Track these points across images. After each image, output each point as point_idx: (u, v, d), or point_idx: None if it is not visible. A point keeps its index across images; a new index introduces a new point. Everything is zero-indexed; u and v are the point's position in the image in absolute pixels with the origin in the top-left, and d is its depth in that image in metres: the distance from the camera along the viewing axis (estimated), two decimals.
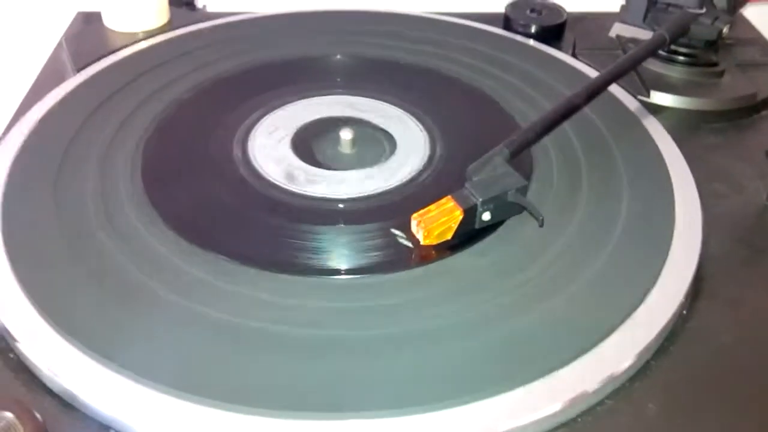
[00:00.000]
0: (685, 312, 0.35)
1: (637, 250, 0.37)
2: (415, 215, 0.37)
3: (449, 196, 0.37)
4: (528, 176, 0.41)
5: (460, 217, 0.37)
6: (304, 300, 0.34)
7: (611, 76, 0.44)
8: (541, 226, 0.37)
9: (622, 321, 0.33)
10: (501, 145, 0.39)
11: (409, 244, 0.37)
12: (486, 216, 0.37)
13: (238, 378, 0.30)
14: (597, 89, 0.43)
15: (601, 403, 0.31)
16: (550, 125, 0.41)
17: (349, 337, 0.32)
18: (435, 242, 0.37)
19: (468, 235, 0.37)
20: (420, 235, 0.37)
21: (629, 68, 0.46)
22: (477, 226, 0.37)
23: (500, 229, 0.38)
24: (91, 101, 0.47)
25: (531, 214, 0.37)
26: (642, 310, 0.34)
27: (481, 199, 0.37)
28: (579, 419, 0.30)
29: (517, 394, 0.30)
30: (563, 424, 0.30)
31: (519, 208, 0.38)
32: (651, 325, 0.33)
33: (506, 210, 0.38)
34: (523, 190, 0.38)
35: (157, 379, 0.30)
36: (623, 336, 0.33)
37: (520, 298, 0.34)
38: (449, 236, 0.37)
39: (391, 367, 0.31)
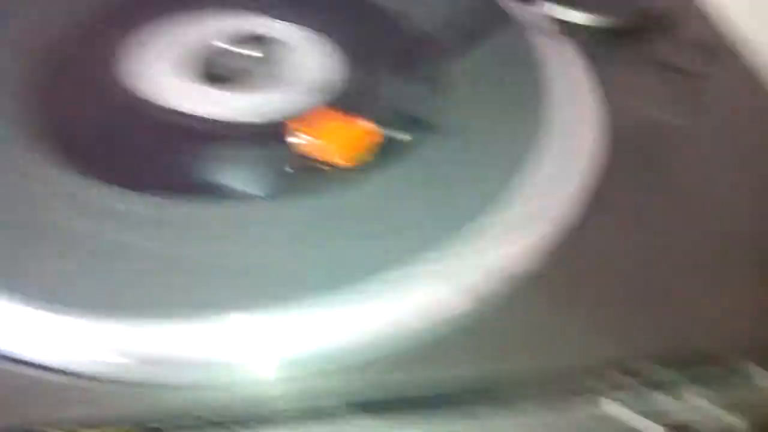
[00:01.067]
0: (574, 220, 0.35)
1: (532, 156, 0.37)
2: (320, 133, 0.36)
3: (359, 115, 0.37)
4: (434, 92, 0.41)
5: (375, 136, 0.36)
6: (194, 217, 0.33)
7: None
8: (442, 142, 0.37)
9: (509, 225, 0.33)
10: (405, 59, 0.38)
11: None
12: (397, 135, 0.37)
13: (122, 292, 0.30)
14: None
15: (487, 308, 0.31)
16: (453, 39, 0.40)
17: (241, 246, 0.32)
18: (350, 163, 0.36)
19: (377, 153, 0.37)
20: (333, 155, 0.36)
21: None
22: (387, 143, 0.37)
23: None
24: None
25: (429, 128, 0.37)
26: (529, 215, 0.34)
27: (394, 117, 0.36)
28: (469, 323, 0.30)
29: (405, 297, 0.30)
30: (454, 327, 0.30)
31: (428, 126, 0.38)
32: (536, 229, 0.33)
33: (409, 128, 0.37)
34: (433, 109, 0.37)
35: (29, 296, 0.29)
36: (507, 239, 0.33)
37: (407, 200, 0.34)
38: (364, 156, 0.36)
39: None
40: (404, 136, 0.37)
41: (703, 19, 0.51)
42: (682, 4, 0.51)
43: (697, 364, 0.30)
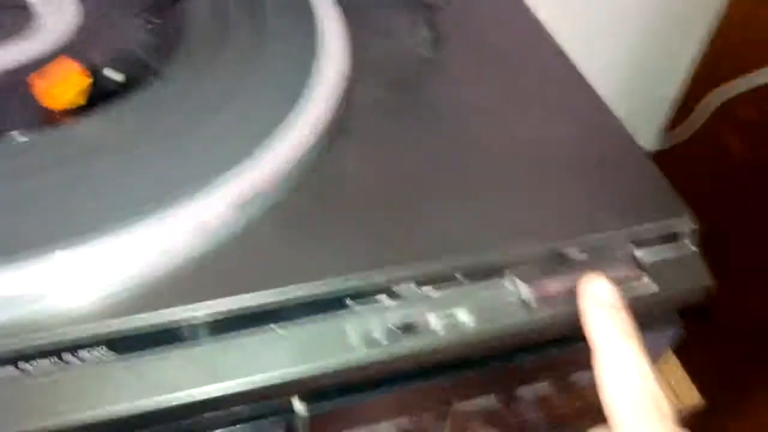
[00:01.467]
0: (320, 147, 0.37)
1: (281, 93, 0.39)
2: (32, 75, 0.36)
3: (68, 57, 0.36)
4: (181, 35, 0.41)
5: (87, 79, 0.36)
6: None
7: None
8: (164, 85, 0.37)
9: (259, 155, 0.35)
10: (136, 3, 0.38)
11: None
12: (118, 77, 0.37)
13: None
14: None
15: (231, 234, 0.33)
16: None
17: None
18: (62, 105, 0.36)
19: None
20: (40, 97, 0.36)
21: None
22: (112, 87, 0.36)
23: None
24: None
25: (154, 69, 0.37)
26: (278, 140, 0.36)
27: (106, 58, 0.36)
28: (207, 245, 0.32)
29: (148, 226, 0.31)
30: (191, 253, 0.32)
31: (151, 68, 0.37)
32: (281, 154, 0.35)
33: (140, 70, 0.37)
34: (156, 49, 0.37)
35: None
36: (255, 164, 0.34)
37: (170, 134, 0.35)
38: (82, 101, 0.36)
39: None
40: (120, 78, 0.37)
41: None
42: None
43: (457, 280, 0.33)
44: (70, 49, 0.40)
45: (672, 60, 0.89)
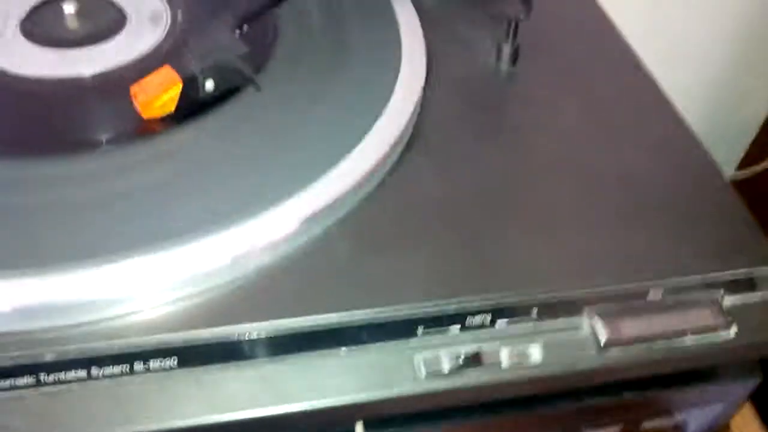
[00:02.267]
0: (398, 162, 0.37)
1: (360, 105, 0.38)
2: (134, 86, 0.36)
3: (167, 65, 0.36)
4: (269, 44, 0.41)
5: (180, 87, 0.36)
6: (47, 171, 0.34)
7: None
8: (258, 90, 0.37)
9: (331, 165, 0.34)
10: (227, 13, 0.38)
11: None
12: (209, 85, 0.37)
13: None
14: None
15: (303, 250, 0.32)
16: None
17: (97, 196, 0.33)
18: (157, 114, 0.36)
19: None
20: (140, 108, 0.36)
21: None
22: (202, 95, 0.37)
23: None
24: None
25: (247, 80, 0.37)
26: (355, 154, 0.35)
27: (201, 67, 0.36)
28: (278, 260, 0.32)
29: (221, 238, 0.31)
30: (263, 267, 0.31)
31: (244, 77, 0.37)
32: (357, 169, 0.35)
33: (232, 79, 0.37)
34: (247, 58, 0.37)
35: None
36: (329, 179, 0.34)
37: (246, 149, 0.35)
38: (172, 108, 0.36)
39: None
40: (210, 86, 0.37)
41: None
42: None
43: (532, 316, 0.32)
44: (160, 55, 0.40)
45: (757, 82, 0.86)
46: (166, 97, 0.36)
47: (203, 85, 0.37)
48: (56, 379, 0.28)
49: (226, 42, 0.37)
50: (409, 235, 0.34)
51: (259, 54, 0.40)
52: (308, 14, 0.44)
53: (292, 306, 0.30)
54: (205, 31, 0.38)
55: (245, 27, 0.39)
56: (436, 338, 0.31)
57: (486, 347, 0.31)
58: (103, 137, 0.36)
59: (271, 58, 0.40)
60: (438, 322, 0.31)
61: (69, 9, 0.41)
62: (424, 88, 0.40)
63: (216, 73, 0.36)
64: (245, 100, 0.37)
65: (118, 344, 0.28)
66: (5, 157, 0.34)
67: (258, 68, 0.38)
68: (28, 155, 0.34)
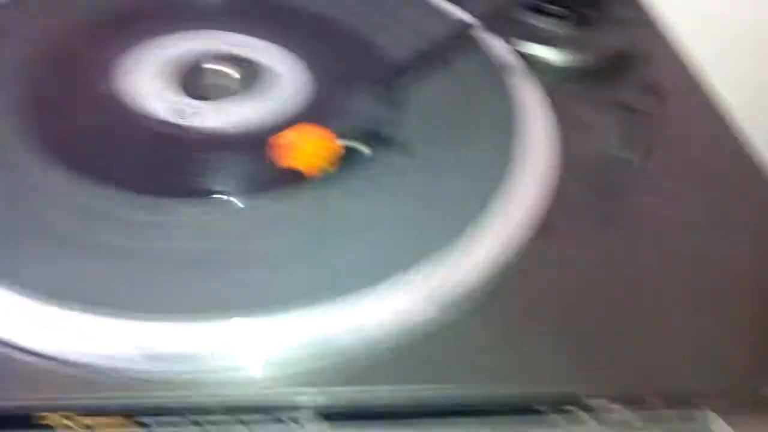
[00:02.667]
0: (524, 245, 0.38)
1: (486, 184, 0.40)
2: (279, 137, 0.39)
3: (323, 127, 0.39)
4: (400, 112, 0.43)
5: (336, 148, 0.39)
6: (181, 218, 0.37)
7: (481, 19, 0.46)
8: (412, 158, 0.40)
9: (462, 246, 0.36)
10: (376, 80, 0.41)
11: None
12: (362, 148, 0.40)
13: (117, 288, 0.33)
14: (466, 31, 0.46)
15: (432, 322, 0.34)
16: (420, 64, 0.43)
17: (227, 249, 0.36)
18: (311, 171, 0.39)
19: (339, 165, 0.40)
20: (294, 162, 0.39)
21: (499, 13, 0.49)
22: (354, 160, 0.39)
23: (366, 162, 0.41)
24: None
25: (401, 148, 0.40)
26: (483, 237, 0.37)
27: (355, 131, 0.39)
28: (405, 341, 0.33)
29: (346, 306, 0.33)
30: (393, 338, 0.33)
31: (391, 142, 0.40)
32: (489, 251, 0.37)
33: (381, 144, 0.40)
34: (396, 125, 0.40)
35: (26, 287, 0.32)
36: (460, 260, 0.36)
37: (366, 220, 0.38)
38: (324, 165, 0.39)
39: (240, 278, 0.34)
40: (366, 150, 0.40)
41: (671, 60, 0.55)
42: (651, 44, 0.55)
43: (652, 406, 0.33)
44: (300, 115, 0.44)
45: None
46: (313, 153, 0.39)
47: (356, 148, 0.39)
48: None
49: (379, 108, 0.41)
50: (532, 317, 0.35)
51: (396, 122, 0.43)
52: (435, 91, 0.46)
53: (408, 375, 0.32)
54: (353, 95, 0.41)
55: (386, 93, 0.42)
56: (557, 419, 0.32)
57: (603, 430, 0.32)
58: (238, 190, 0.39)
59: (397, 129, 0.43)
60: (559, 403, 0.32)
61: (217, 66, 0.46)
62: (551, 172, 0.42)
63: (369, 137, 0.39)
64: (374, 169, 0.40)
65: (253, 397, 0.31)
66: (145, 198, 0.37)
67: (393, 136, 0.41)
68: (168, 198, 0.38)
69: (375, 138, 0.40)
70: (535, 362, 0.33)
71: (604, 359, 0.34)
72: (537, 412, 0.32)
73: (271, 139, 0.39)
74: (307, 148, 0.39)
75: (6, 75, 0.45)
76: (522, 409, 0.32)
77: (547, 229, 0.39)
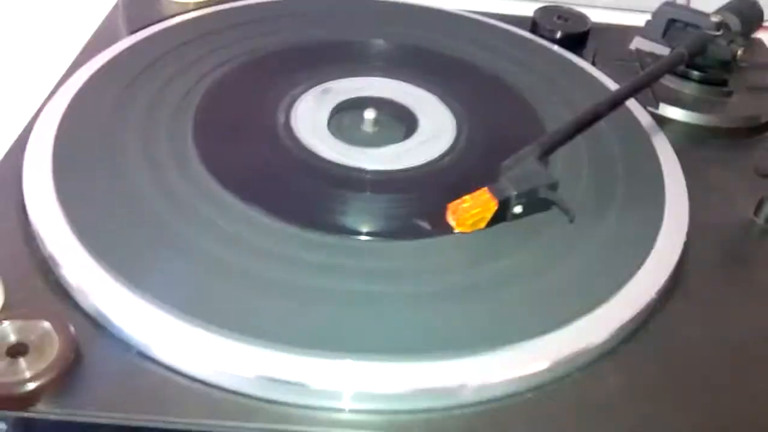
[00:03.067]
0: (659, 304, 0.38)
1: (624, 244, 0.40)
2: (450, 204, 0.40)
3: (485, 188, 0.40)
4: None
5: (495, 208, 0.39)
6: (321, 255, 0.38)
7: (633, 88, 0.47)
8: (572, 221, 0.40)
9: (600, 304, 0.36)
10: (534, 143, 0.42)
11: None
12: (518, 209, 0.40)
13: (252, 314, 0.34)
14: (619, 99, 0.46)
15: (569, 374, 0.34)
16: (575, 130, 0.44)
17: (360, 290, 0.36)
18: (468, 230, 0.39)
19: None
20: (454, 224, 0.39)
21: (649, 82, 0.50)
22: (508, 219, 0.40)
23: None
24: (140, 62, 0.51)
25: (562, 209, 0.40)
26: (620, 296, 0.37)
27: (515, 193, 0.39)
28: (547, 386, 0.34)
29: (494, 355, 0.34)
30: (532, 388, 0.33)
31: (547, 205, 0.41)
32: (625, 310, 0.37)
33: (536, 205, 0.41)
34: (554, 188, 0.41)
35: (176, 305, 0.34)
36: (598, 317, 0.36)
37: (513, 275, 0.38)
38: (482, 226, 0.40)
39: (390, 319, 0.35)
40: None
41: None
42: None
43: None
44: (441, 165, 0.45)
45: None
46: (479, 216, 0.39)
47: (512, 209, 0.40)
48: None
49: (536, 171, 0.41)
50: (671, 381, 0.35)
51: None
52: (576, 151, 0.47)
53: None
54: (515, 158, 0.41)
55: (543, 154, 0.42)
56: None
57: None
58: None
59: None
60: None
61: (369, 114, 0.48)
62: (687, 235, 0.42)
63: (527, 198, 0.40)
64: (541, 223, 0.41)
65: None
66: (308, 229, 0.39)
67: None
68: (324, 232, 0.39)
69: (535, 198, 0.40)
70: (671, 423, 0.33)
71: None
72: None
73: (450, 205, 0.40)
74: (479, 213, 0.39)
75: (185, 106, 0.47)
76: None
77: (682, 292, 0.39)
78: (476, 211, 0.39)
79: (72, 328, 0.32)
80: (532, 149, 0.41)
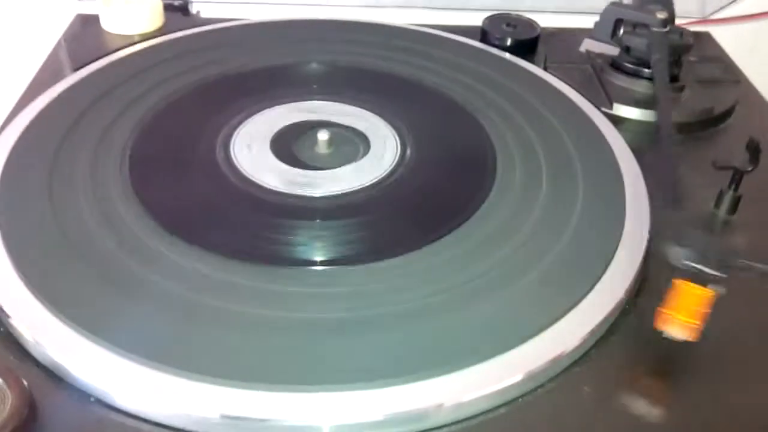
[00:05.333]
0: (626, 306, 0.38)
1: (587, 248, 0.40)
2: (667, 311, 0.35)
3: (687, 281, 0.35)
4: (491, 180, 0.45)
5: (713, 294, 0.35)
6: (282, 287, 0.37)
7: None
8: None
9: (568, 311, 0.36)
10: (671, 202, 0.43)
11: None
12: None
13: (215, 353, 0.33)
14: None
15: (542, 385, 0.34)
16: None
17: (320, 318, 0.35)
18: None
19: None
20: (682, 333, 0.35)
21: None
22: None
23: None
24: (85, 98, 0.50)
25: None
26: (587, 301, 0.37)
27: (722, 274, 0.37)
28: (520, 399, 0.33)
29: (464, 373, 0.33)
30: (505, 403, 0.33)
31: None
32: (593, 315, 0.36)
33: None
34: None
35: (135, 352, 0.33)
36: (567, 324, 0.36)
37: (478, 287, 0.37)
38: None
39: (356, 345, 0.34)
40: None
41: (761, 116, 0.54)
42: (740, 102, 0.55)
43: None
44: (386, 184, 0.45)
45: None
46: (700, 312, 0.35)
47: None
48: None
49: (708, 238, 0.41)
50: (647, 379, 0.35)
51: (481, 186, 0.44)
52: (531, 151, 0.47)
53: None
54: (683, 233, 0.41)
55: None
56: None
57: None
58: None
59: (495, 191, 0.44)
60: None
61: (322, 136, 0.47)
62: (650, 233, 0.42)
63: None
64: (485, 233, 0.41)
65: None
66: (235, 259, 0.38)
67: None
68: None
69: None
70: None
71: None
72: None
73: (659, 308, 0.36)
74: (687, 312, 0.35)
75: (120, 141, 0.46)
76: None
77: (649, 291, 0.39)
78: (697, 308, 0.35)
79: (25, 383, 0.31)
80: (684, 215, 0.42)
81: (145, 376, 0.32)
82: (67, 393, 0.32)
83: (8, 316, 0.34)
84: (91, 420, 0.31)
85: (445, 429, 0.32)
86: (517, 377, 0.33)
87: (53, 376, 0.33)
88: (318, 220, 0.42)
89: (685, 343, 0.35)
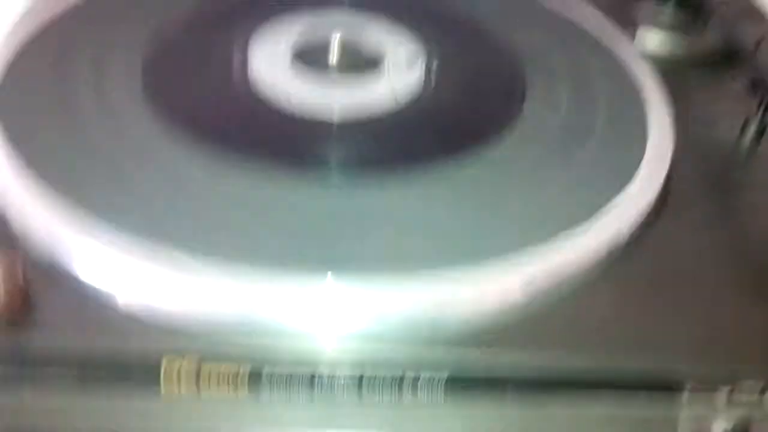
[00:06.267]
0: (648, 222, 0.37)
1: (610, 166, 0.39)
2: None
3: None
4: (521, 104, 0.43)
5: None
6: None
7: None
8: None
9: (590, 222, 0.35)
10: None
11: None
12: None
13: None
14: None
15: (561, 293, 0.33)
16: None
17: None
18: None
19: None
20: None
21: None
22: None
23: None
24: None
25: None
26: (611, 214, 0.36)
27: None
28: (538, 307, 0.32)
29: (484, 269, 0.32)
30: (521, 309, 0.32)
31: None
32: (616, 226, 0.36)
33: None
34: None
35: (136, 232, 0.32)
36: (589, 235, 0.35)
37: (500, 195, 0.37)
38: None
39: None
40: None
41: None
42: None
43: None
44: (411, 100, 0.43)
45: None
46: None
47: None
48: None
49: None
50: (663, 292, 0.34)
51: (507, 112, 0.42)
52: (556, 78, 0.46)
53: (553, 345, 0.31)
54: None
55: None
56: (699, 404, 0.30)
57: (757, 417, 0.30)
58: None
59: (520, 119, 0.42)
60: (706, 384, 0.30)
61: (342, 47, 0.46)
62: (671, 156, 0.40)
63: None
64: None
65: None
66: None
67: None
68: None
69: None
70: (674, 336, 0.32)
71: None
72: (679, 389, 0.30)
73: None
74: None
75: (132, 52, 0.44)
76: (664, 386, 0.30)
77: (668, 211, 0.38)
78: None
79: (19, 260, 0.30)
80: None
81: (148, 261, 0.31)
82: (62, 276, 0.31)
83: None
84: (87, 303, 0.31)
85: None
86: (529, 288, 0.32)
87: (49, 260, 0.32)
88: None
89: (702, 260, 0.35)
